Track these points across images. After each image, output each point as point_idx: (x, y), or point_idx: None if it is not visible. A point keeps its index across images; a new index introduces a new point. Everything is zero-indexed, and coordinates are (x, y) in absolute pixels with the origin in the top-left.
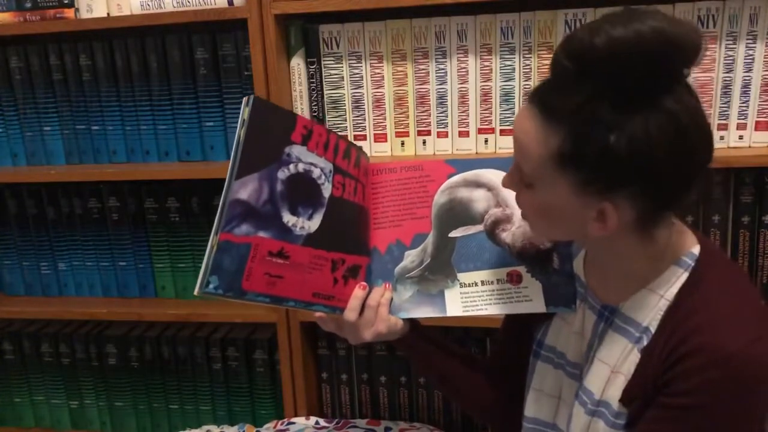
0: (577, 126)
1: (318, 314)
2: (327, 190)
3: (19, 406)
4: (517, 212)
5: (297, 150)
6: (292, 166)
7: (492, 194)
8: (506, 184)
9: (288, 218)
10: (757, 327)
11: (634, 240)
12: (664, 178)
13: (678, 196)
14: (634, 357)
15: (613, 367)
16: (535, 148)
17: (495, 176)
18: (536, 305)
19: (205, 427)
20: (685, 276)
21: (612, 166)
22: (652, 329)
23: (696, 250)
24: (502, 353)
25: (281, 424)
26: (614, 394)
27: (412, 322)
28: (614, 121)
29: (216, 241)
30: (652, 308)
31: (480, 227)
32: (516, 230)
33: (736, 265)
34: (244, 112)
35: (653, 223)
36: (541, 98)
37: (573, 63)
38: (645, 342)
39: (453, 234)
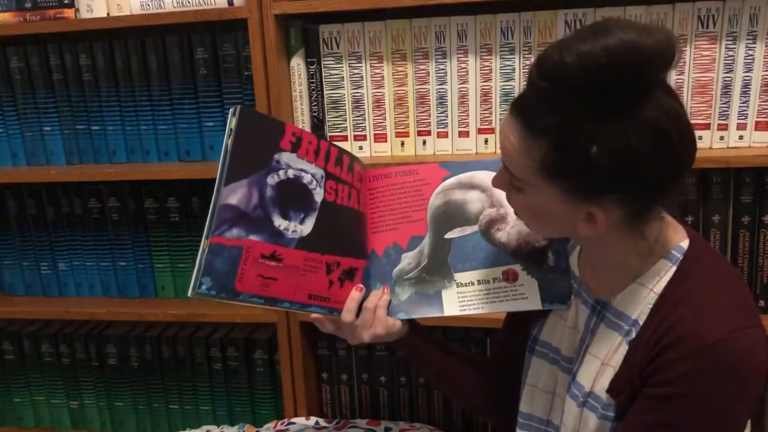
0: (558, 140)
1: (314, 315)
2: (319, 195)
3: (19, 406)
4: (511, 212)
5: (286, 157)
6: (281, 173)
7: (486, 195)
8: (496, 184)
9: (279, 222)
10: (740, 318)
11: (624, 236)
12: (649, 181)
13: (665, 194)
14: (623, 350)
15: (603, 360)
16: (520, 158)
17: (489, 177)
18: (532, 302)
19: (205, 427)
20: (673, 269)
21: (596, 177)
22: (641, 322)
23: (685, 244)
24: (502, 351)
25: (281, 424)
26: (603, 386)
27: (411, 323)
28: (594, 134)
29: (207, 245)
30: (641, 302)
31: (475, 228)
32: (511, 229)
33: (724, 259)
34: (231, 121)
35: (642, 220)
36: (522, 113)
37: (547, 83)
38: (633, 335)
39: (449, 235)
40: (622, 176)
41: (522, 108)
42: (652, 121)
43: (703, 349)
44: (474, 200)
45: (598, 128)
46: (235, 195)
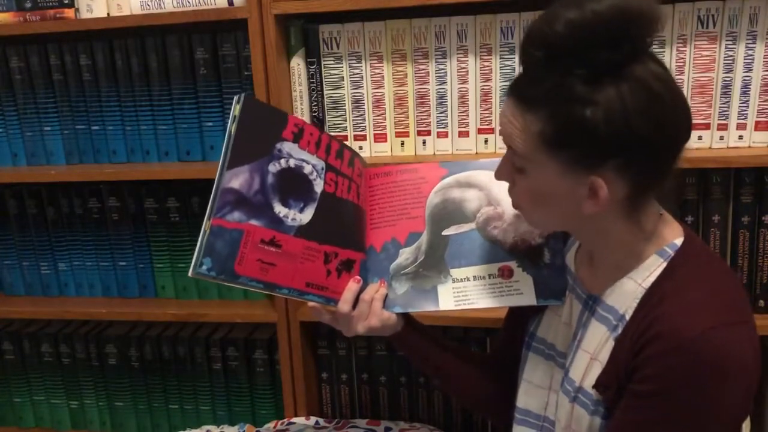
0: (553, 107)
1: (311, 304)
2: (319, 186)
3: (19, 406)
4: (508, 210)
5: (288, 146)
6: (282, 161)
7: (483, 193)
8: (499, 175)
9: (279, 209)
10: (723, 315)
11: (623, 223)
12: (645, 145)
13: (661, 169)
14: (610, 345)
15: (592, 355)
16: (520, 135)
17: (486, 177)
18: (527, 298)
19: (205, 427)
20: (664, 265)
21: (594, 140)
22: (627, 317)
23: (679, 241)
24: (501, 346)
25: (281, 424)
26: (592, 382)
27: (408, 319)
28: (587, 97)
29: (209, 226)
30: (629, 296)
31: (472, 225)
32: (507, 227)
33: (718, 257)
34: (235, 108)
35: (641, 203)
36: (517, 89)
37: (539, 51)
38: (620, 330)
39: (446, 232)
40: (619, 137)
41: (517, 85)
42: (642, 80)
43: (681, 345)
44: (472, 198)
45: (590, 89)
46: (237, 179)
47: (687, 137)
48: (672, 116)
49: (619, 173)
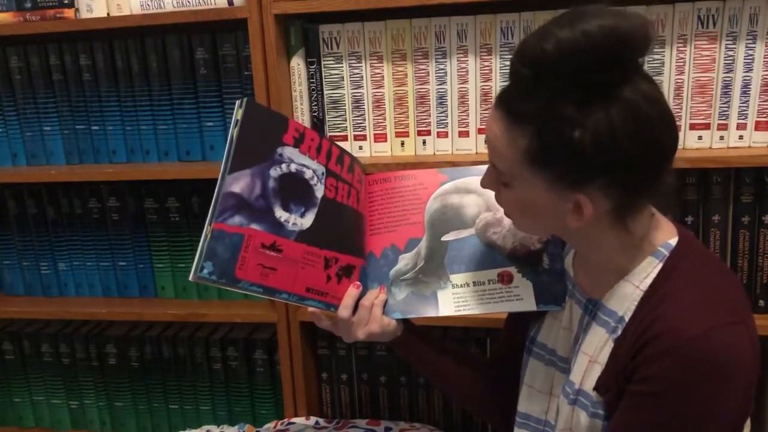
0: (541, 126)
1: (311, 309)
2: (319, 191)
3: (19, 406)
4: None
5: (289, 151)
6: (284, 166)
7: (482, 199)
8: (485, 184)
9: (280, 214)
10: (721, 315)
11: (611, 232)
12: (632, 166)
13: (649, 184)
14: (609, 347)
15: (592, 357)
16: (505, 150)
17: None
18: (527, 304)
19: (205, 427)
20: (660, 266)
21: (580, 161)
22: (627, 319)
23: (673, 241)
24: (502, 350)
25: (281, 424)
26: (591, 384)
27: (407, 324)
28: (576, 118)
29: (210, 230)
30: (627, 299)
31: (471, 231)
32: (506, 233)
33: (715, 257)
34: (237, 113)
35: (628, 213)
36: (505, 103)
37: (529, 69)
38: (619, 332)
39: (445, 238)
40: (606, 159)
41: (505, 99)
42: (632, 103)
43: (678, 346)
44: (471, 204)
45: (580, 111)
46: (239, 183)
47: (674, 152)
48: (659, 136)
49: (604, 190)
